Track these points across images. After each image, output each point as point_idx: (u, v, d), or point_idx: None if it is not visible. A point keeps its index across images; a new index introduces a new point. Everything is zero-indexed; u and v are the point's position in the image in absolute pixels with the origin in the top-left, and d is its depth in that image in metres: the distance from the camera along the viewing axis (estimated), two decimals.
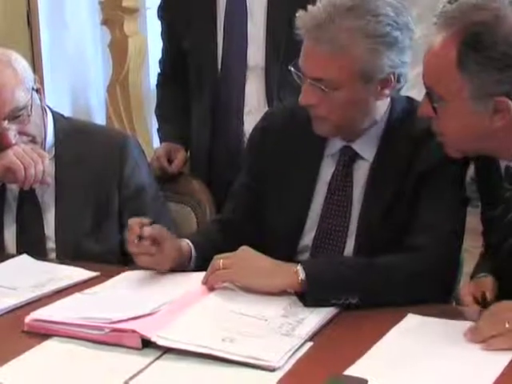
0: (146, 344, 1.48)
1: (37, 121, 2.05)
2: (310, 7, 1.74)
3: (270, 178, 1.93)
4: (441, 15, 1.59)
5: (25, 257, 2.02)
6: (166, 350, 1.47)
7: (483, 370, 1.37)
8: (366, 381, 1.31)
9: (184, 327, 1.52)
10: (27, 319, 1.60)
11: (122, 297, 1.70)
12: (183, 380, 1.38)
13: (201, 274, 1.75)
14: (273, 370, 1.38)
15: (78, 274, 1.89)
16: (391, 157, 1.82)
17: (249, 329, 1.52)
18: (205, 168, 2.44)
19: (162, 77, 2.65)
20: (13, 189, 2.10)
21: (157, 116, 2.67)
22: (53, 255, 2.09)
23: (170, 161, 2.44)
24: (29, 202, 2.09)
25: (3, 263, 1.98)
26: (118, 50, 4.83)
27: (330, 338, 1.51)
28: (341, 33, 1.69)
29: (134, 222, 1.79)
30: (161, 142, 2.56)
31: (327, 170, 1.88)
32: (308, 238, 1.88)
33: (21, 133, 2.01)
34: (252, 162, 2.00)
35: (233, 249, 1.72)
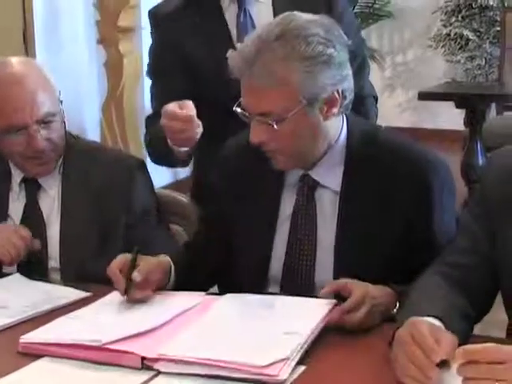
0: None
1: (60, 131, 2.07)
2: (239, 45, 1.71)
3: (234, 214, 1.90)
4: None
5: (17, 276, 2.01)
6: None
7: None
8: None
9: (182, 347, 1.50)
10: (21, 342, 1.59)
11: (107, 320, 1.67)
12: None
13: (185, 295, 1.76)
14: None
15: (70, 293, 1.88)
16: (363, 188, 1.77)
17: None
18: None
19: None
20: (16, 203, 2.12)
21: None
22: (54, 275, 2.08)
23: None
24: (33, 217, 2.10)
25: None
26: (114, 68, 4.86)
27: (324, 361, 1.50)
28: (274, 64, 1.65)
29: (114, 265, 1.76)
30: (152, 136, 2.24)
31: (289, 201, 1.85)
32: (277, 270, 1.84)
33: (47, 139, 2.03)
34: (216, 199, 1.99)
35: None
